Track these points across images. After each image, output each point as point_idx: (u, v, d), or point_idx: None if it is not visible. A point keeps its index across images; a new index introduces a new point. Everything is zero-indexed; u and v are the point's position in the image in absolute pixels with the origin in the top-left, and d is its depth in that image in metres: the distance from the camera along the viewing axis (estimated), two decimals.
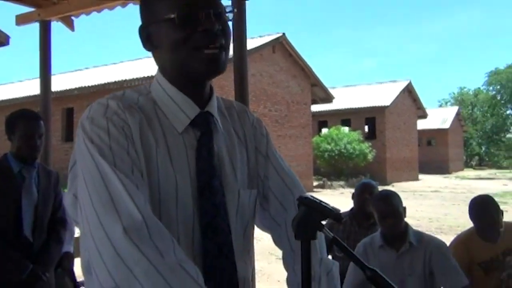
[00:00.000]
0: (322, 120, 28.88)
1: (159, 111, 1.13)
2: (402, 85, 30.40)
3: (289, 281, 1.21)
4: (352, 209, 3.69)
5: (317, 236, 0.97)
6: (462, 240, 3.03)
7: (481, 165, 58.69)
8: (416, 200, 16.68)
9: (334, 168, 24.29)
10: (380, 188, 3.66)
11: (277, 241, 1.30)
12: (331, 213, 0.94)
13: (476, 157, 62.36)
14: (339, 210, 0.97)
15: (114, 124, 1.04)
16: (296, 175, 1.33)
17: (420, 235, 2.63)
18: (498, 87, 66.14)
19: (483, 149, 62.50)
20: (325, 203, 0.96)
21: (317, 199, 0.97)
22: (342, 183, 22.95)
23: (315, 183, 21.93)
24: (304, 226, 0.94)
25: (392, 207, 2.69)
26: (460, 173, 38.04)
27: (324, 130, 27.58)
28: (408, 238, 2.55)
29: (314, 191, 19.72)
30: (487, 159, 62.08)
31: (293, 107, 21.24)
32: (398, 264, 2.48)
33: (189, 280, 0.90)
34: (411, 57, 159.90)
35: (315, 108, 24.29)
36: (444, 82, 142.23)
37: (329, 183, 22.50)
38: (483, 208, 2.95)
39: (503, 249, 2.89)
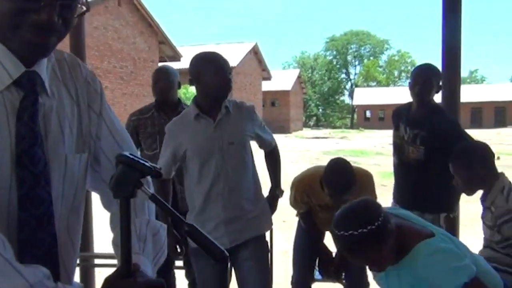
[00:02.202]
0: None
1: None
2: (249, 46, 31.25)
3: (115, 242, 1.17)
4: (155, 101, 3.57)
5: (144, 197, 0.95)
6: (306, 182, 3.01)
7: (318, 125, 63.52)
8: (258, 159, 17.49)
9: None
10: None
11: (106, 204, 1.25)
12: (151, 170, 0.93)
13: (314, 118, 67.24)
14: (159, 168, 0.96)
15: None
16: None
17: (235, 102, 2.62)
18: (335, 52, 71.57)
19: (320, 110, 67.63)
20: (145, 160, 0.95)
21: (136, 157, 0.95)
22: None
23: None
24: (122, 184, 0.92)
25: (164, 75, 3.29)
26: (300, 133, 40.79)
27: None
28: (224, 104, 2.52)
29: None
30: (323, 119, 67.37)
31: (139, 64, 20.61)
32: (217, 132, 2.48)
33: None
34: (258, 18, 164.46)
35: None
36: (288, 45, 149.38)
37: None
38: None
39: (338, 200, 2.98)
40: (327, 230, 3.21)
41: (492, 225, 2.44)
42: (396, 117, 3.29)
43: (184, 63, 26.40)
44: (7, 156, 0.97)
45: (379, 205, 1.85)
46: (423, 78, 3.03)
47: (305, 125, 56.40)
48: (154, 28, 21.24)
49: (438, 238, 1.89)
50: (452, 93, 3.24)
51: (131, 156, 0.94)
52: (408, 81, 3.22)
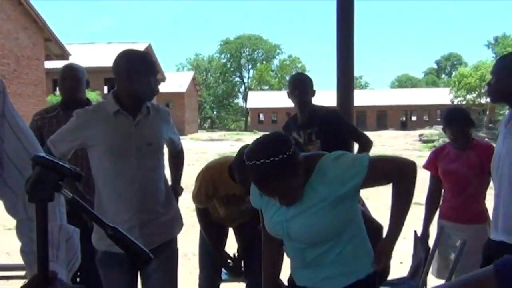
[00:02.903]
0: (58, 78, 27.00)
1: None
2: (142, 46, 30.50)
3: (23, 250, 1.09)
4: (61, 100, 3.44)
5: (56, 200, 0.90)
6: (214, 170, 2.95)
7: (213, 127, 63.75)
8: None
9: None
10: None
11: (11, 209, 1.15)
12: (70, 172, 0.89)
13: (209, 120, 67.40)
14: (77, 169, 0.92)
15: None
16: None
17: (153, 104, 2.57)
18: (229, 55, 72.31)
19: (215, 112, 67.95)
20: (64, 162, 0.90)
21: (54, 158, 0.90)
22: None
23: None
24: (39, 187, 0.87)
25: (72, 72, 3.30)
26: (195, 135, 40.65)
27: None
28: (145, 104, 2.47)
29: None
30: (218, 121, 67.77)
31: (23, 62, 19.25)
32: (136, 132, 2.41)
33: None
34: (152, 19, 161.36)
35: (50, 64, 22.54)
36: (182, 47, 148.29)
37: None
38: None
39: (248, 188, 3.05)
40: (231, 226, 3.24)
41: None
42: (287, 131, 3.55)
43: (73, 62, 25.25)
44: None
45: (289, 138, 1.90)
46: (300, 83, 3.45)
47: (200, 127, 56.32)
48: (39, 24, 19.95)
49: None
50: (347, 99, 3.44)
51: (49, 157, 0.89)
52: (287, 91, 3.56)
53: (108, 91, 28.20)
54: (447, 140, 3.38)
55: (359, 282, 1.97)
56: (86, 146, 2.43)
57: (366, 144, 3.35)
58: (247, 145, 2.81)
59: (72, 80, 3.35)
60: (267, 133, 1.96)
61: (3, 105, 1.12)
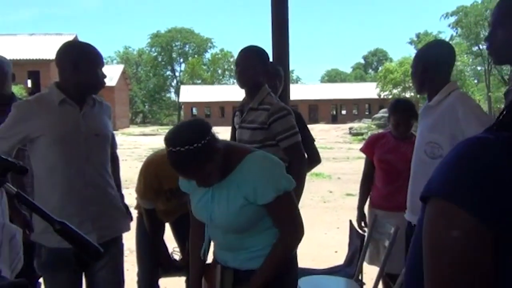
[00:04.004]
0: None
1: None
2: (68, 38, 29.29)
3: None
4: None
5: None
6: (157, 163, 2.85)
7: (145, 122, 62.57)
8: None
9: None
10: None
11: None
12: (14, 166, 0.86)
13: (141, 115, 66.12)
14: (21, 163, 0.89)
15: None
16: None
17: (96, 97, 2.51)
18: (159, 49, 71.15)
19: (147, 107, 66.76)
20: (6, 155, 0.87)
21: None
22: None
23: None
24: None
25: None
26: (126, 130, 39.73)
27: None
28: (90, 97, 2.43)
29: None
30: (150, 116, 66.59)
31: None
32: (84, 122, 2.35)
33: None
34: (77, 10, 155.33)
35: None
36: (109, 39, 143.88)
37: None
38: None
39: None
40: (168, 221, 3.19)
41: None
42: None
43: None
44: None
45: (208, 125, 1.94)
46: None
47: (132, 122, 55.13)
48: None
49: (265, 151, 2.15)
50: (283, 93, 3.48)
51: None
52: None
53: (32, 84, 26.90)
54: (375, 133, 3.53)
55: None
56: (30, 140, 2.30)
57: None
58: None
59: None
60: (186, 120, 2.05)
61: None
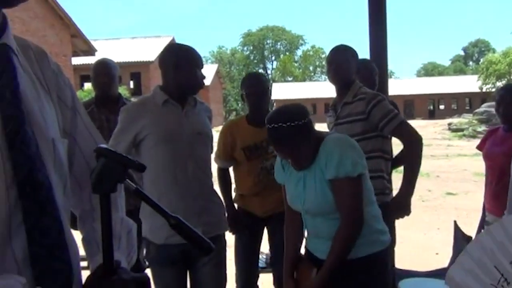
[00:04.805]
0: (85, 74, 27.42)
1: None
2: (166, 40, 30.70)
3: (85, 239, 1.10)
4: (95, 96, 3.50)
5: (118, 193, 0.90)
6: (229, 124, 3.17)
7: None
8: None
9: None
10: None
11: (75, 204, 1.14)
12: (133, 163, 0.89)
13: (234, 113, 67.53)
14: (139, 161, 0.93)
15: None
16: None
17: (198, 99, 2.63)
18: (251, 47, 72.26)
19: (240, 105, 67.97)
20: (124, 154, 0.91)
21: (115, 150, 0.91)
22: None
23: None
24: (104, 178, 0.87)
25: (105, 69, 3.41)
26: (220, 128, 40.76)
27: (88, 84, 26.31)
28: (192, 97, 2.54)
29: None
30: (242, 113, 67.69)
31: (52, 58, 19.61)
32: (187, 121, 2.45)
33: None
34: (174, 13, 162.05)
35: (77, 61, 22.89)
36: (205, 40, 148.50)
37: None
38: (255, 85, 3.03)
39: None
40: (263, 211, 3.11)
41: None
42: None
43: (99, 58, 25.60)
44: None
45: (307, 109, 2.13)
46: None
47: (225, 120, 56.46)
48: (65, 20, 20.27)
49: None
50: (381, 89, 3.37)
51: (112, 149, 0.90)
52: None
53: (134, 85, 28.49)
54: (478, 129, 3.26)
55: (363, 259, 2.11)
56: (139, 140, 2.43)
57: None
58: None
59: (105, 76, 3.39)
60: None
61: (73, 99, 1.11)
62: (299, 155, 2.10)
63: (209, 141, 2.58)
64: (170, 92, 2.46)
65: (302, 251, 2.38)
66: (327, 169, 2.03)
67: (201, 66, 2.50)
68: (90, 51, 22.46)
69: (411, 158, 2.79)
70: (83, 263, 1.04)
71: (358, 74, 2.98)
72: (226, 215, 3.08)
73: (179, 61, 2.42)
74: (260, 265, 3.33)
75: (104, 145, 0.92)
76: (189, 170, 2.43)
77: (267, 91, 3.02)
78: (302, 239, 2.36)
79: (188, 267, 2.55)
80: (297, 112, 2.03)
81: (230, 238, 3.15)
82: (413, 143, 2.77)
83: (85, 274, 0.97)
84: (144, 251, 2.72)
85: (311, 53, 73.34)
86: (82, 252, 1.07)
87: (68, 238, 0.96)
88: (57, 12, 19.70)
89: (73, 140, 1.10)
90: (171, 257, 2.44)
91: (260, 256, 3.34)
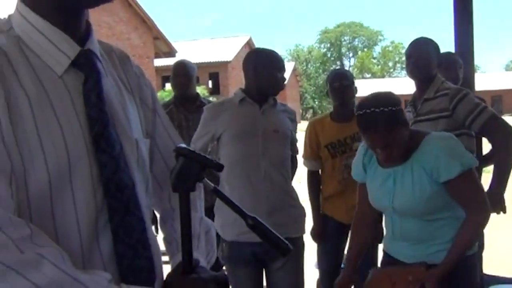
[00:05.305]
0: (166, 75, 28.35)
1: (27, 51, 0.89)
2: (243, 40, 31.14)
3: (166, 239, 1.13)
4: (174, 97, 3.61)
5: (197, 192, 0.92)
6: (313, 122, 3.18)
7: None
8: None
9: None
10: None
11: (156, 204, 1.19)
12: (212, 162, 0.90)
13: (311, 110, 67.26)
14: (218, 160, 0.94)
15: None
16: None
17: (285, 105, 2.69)
18: (328, 45, 71.54)
19: (316, 102, 67.64)
20: (203, 153, 0.92)
21: (194, 149, 0.92)
22: None
23: None
24: (183, 178, 0.89)
25: (184, 69, 3.49)
26: (298, 126, 40.67)
27: (169, 85, 27.18)
28: (271, 98, 2.56)
29: None
30: (320, 112, 67.29)
31: (135, 60, 20.21)
32: (263, 118, 2.48)
33: (54, 271, 0.76)
34: (251, 11, 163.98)
35: (158, 62, 23.76)
36: (281, 38, 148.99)
37: None
38: (340, 78, 3.02)
39: (353, 133, 2.94)
40: (347, 218, 3.09)
41: None
42: None
43: (179, 59, 26.38)
44: (81, 142, 0.89)
45: (399, 99, 2.01)
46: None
47: (302, 118, 56.35)
48: (148, 23, 21.11)
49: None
50: (467, 85, 3.19)
51: (192, 149, 0.91)
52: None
53: (213, 85, 29.14)
54: None
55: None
56: (216, 138, 2.49)
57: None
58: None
59: (184, 77, 3.49)
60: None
61: (153, 101, 1.15)
62: (393, 145, 1.95)
63: (286, 140, 2.55)
64: (250, 93, 2.53)
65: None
66: (446, 169, 1.91)
67: (281, 69, 2.52)
68: (171, 52, 23.21)
69: (505, 152, 2.60)
70: (164, 258, 1.07)
71: (440, 68, 2.82)
72: (312, 224, 3.08)
73: (259, 64, 2.48)
74: (342, 266, 3.27)
75: (183, 145, 0.93)
76: (261, 167, 2.42)
77: (352, 86, 3.01)
78: (369, 241, 2.32)
79: (263, 268, 2.54)
80: (393, 97, 1.96)
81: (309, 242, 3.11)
82: (507, 136, 2.58)
83: (166, 269, 1.00)
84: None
85: (390, 48, 71.37)
86: (162, 247, 1.10)
87: (151, 236, 1.00)
88: (140, 16, 20.57)
89: (153, 140, 1.13)
90: (243, 256, 2.45)
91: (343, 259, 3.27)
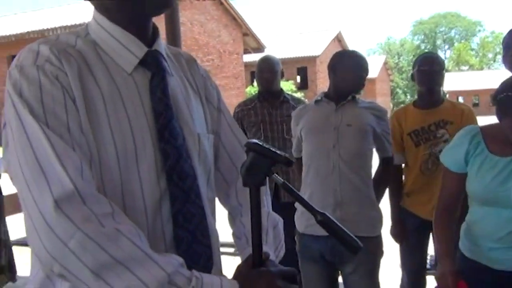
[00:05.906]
0: (255, 70, 28.69)
1: (101, 53, 1.02)
2: (332, 34, 30.75)
3: (235, 234, 1.16)
4: (258, 92, 3.63)
5: (265, 188, 0.94)
6: (396, 111, 3.08)
7: None
8: None
9: None
10: None
11: (224, 200, 1.24)
12: (281, 157, 0.91)
13: (402, 105, 65.08)
14: (287, 155, 0.94)
15: (46, 74, 0.91)
16: None
17: (373, 103, 2.63)
18: (422, 36, 68.74)
19: (408, 97, 65.33)
20: (274, 148, 0.93)
21: (265, 144, 0.93)
22: None
23: None
24: (253, 172, 0.90)
25: (268, 65, 3.53)
26: None
27: None
28: (351, 96, 2.51)
29: None
30: None
31: (225, 57, 20.99)
32: (336, 114, 2.48)
33: (130, 246, 0.83)
34: (340, 5, 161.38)
35: (247, 58, 24.15)
36: (372, 32, 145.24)
37: None
38: (430, 62, 2.87)
39: (437, 120, 2.82)
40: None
41: None
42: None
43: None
44: (146, 132, 0.99)
45: None
46: None
47: None
48: (238, 20, 21.50)
49: None
50: None
51: (262, 144, 0.93)
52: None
53: (301, 80, 29.09)
54: None
55: None
56: (300, 137, 2.60)
57: None
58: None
59: (268, 72, 3.52)
60: None
61: (218, 101, 1.23)
62: None
63: (361, 134, 2.42)
64: (329, 94, 2.58)
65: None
66: None
67: (360, 69, 2.52)
68: (260, 48, 23.48)
69: None
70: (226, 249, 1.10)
71: None
72: (391, 223, 2.98)
73: (336, 66, 2.54)
74: (428, 267, 3.14)
75: (254, 140, 0.95)
76: (331, 160, 2.39)
77: (441, 72, 2.86)
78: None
79: (336, 268, 2.50)
80: None
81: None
82: None
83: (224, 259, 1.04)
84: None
85: (490, 39, 67.13)
86: (222, 239, 1.16)
87: (211, 224, 1.07)
88: (230, 13, 21.01)
89: (218, 137, 1.21)
90: (311, 251, 2.46)
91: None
